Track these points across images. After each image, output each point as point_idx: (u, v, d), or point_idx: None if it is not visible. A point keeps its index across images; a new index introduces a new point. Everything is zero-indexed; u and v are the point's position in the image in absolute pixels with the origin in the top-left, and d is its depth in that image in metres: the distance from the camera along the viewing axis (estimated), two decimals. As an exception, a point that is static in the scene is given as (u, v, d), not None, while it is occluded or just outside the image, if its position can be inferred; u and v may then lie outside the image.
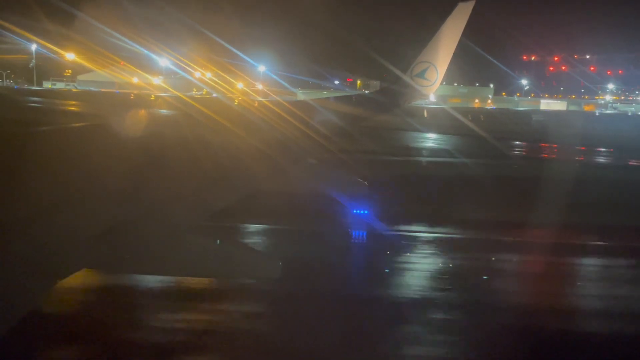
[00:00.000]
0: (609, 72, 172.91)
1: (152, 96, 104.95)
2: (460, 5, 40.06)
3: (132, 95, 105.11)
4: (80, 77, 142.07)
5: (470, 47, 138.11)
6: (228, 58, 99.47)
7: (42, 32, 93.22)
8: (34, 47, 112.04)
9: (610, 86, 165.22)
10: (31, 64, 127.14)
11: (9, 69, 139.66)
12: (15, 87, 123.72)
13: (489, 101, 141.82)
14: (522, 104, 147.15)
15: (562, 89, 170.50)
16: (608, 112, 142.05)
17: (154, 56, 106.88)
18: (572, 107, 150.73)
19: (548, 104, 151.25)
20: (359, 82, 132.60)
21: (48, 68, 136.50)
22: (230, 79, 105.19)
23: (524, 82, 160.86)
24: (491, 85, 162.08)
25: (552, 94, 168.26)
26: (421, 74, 43.04)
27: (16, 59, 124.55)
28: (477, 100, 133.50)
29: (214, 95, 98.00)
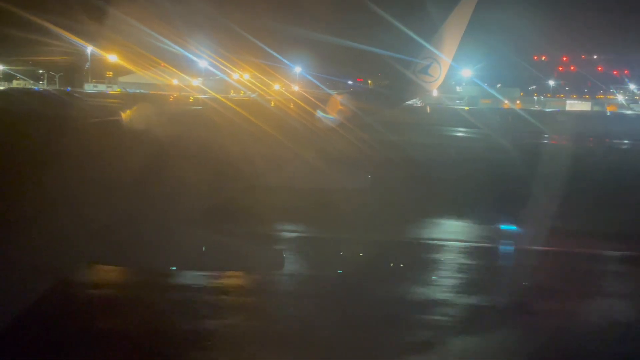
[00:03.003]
0: (615, 72, 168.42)
1: (191, 98, 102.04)
2: (464, 0, 35.90)
3: (172, 97, 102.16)
4: (121, 79, 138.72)
5: (495, 47, 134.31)
6: (264, 59, 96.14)
7: (83, 33, 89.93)
8: (89, 50, 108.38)
9: (632, 87, 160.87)
10: (87, 65, 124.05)
11: (51, 70, 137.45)
12: (67, 89, 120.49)
13: (518, 102, 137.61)
14: (549, 105, 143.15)
15: (567, 89, 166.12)
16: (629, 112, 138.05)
17: (193, 57, 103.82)
18: (596, 108, 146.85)
19: (572, 105, 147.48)
20: (369, 82, 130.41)
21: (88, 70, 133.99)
22: (267, 80, 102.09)
23: (551, 82, 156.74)
24: (534, 87, 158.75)
25: (561, 94, 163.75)
26: (424, 70, 38.75)
27: (56, 61, 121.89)
28: (506, 101, 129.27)
29: (252, 96, 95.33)
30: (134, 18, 74.83)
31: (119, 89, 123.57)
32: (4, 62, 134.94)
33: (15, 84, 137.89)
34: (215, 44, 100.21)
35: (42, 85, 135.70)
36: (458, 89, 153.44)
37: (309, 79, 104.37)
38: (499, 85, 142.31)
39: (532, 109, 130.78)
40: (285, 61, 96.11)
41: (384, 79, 49.51)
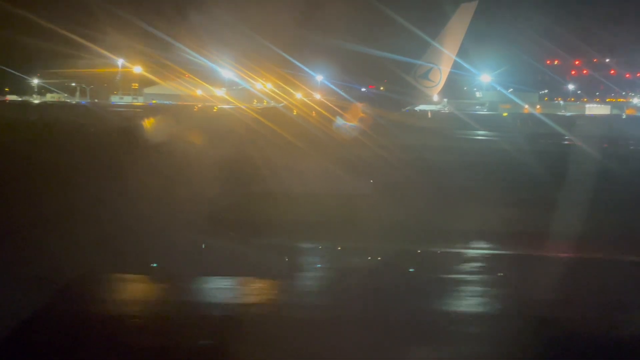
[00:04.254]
0: (627, 75, 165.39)
1: (215, 108, 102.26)
2: (463, 6, 35.26)
3: (196, 107, 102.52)
4: (146, 90, 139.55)
5: (510, 52, 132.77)
6: (286, 68, 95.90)
7: (110, 45, 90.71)
8: (120, 62, 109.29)
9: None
10: (118, 77, 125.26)
11: (83, 83, 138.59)
12: (83, 102, 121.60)
13: (538, 107, 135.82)
14: (569, 109, 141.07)
15: (579, 92, 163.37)
16: None
17: (216, 68, 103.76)
18: (615, 111, 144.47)
19: (590, 109, 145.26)
20: (382, 88, 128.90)
21: (113, 81, 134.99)
22: (289, 89, 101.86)
23: (571, 86, 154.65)
24: (545, 91, 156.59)
25: (571, 98, 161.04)
26: (425, 75, 38.02)
27: (87, 73, 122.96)
28: (526, 106, 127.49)
29: (276, 105, 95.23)
30: (159, 29, 75.32)
31: (154, 100, 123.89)
32: (39, 76, 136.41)
33: (49, 97, 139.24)
34: (238, 53, 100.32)
35: (76, 98, 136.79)
36: (478, 94, 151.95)
37: (328, 87, 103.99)
38: (510, 90, 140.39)
39: (559, 113, 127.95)
40: (306, 69, 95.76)
41: (389, 84, 49.15)
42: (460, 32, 31.94)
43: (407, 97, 35.46)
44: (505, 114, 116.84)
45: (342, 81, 75.61)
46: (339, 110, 59.01)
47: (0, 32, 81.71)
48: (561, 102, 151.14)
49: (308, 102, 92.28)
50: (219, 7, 76.85)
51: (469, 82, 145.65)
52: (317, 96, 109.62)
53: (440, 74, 31.91)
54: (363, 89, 61.09)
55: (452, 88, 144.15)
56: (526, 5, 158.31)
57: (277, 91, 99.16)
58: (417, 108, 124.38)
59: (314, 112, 74.74)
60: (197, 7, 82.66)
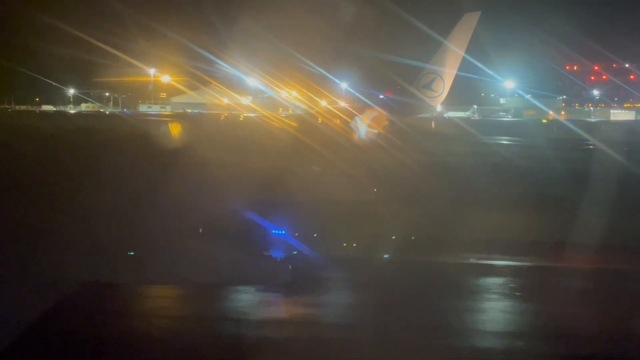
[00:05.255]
0: None
1: (241, 116, 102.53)
2: (466, 16, 34.58)
3: (223, 116, 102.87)
4: (174, 99, 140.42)
5: (532, 57, 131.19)
6: (311, 76, 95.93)
7: (139, 55, 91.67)
8: (152, 72, 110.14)
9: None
10: (150, 87, 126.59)
11: (115, 92, 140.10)
12: (127, 111, 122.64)
13: (563, 113, 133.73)
14: (594, 115, 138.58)
15: (597, 98, 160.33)
16: None
17: (242, 76, 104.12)
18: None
19: (615, 114, 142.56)
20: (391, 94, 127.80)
21: (141, 90, 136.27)
22: (314, 97, 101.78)
23: (596, 92, 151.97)
24: (563, 97, 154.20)
25: (589, 104, 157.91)
26: (428, 85, 37.28)
27: (119, 83, 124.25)
28: (551, 112, 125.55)
29: (301, 113, 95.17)
30: (187, 39, 75.83)
31: (189, 110, 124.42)
32: (74, 85, 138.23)
33: (84, 107, 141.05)
34: (264, 62, 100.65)
35: (109, 108, 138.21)
36: (502, 100, 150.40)
37: (350, 94, 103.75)
38: (529, 96, 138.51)
39: (589, 120, 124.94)
40: (330, 76, 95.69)
41: (398, 92, 48.72)
42: (464, 42, 31.49)
43: (411, 106, 35.00)
44: (544, 121, 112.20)
45: (364, 88, 75.46)
46: (364, 118, 58.75)
47: (34, 43, 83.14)
48: (591, 108, 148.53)
49: (332, 109, 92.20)
50: (245, 17, 77.32)
51: (491, 88, 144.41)
52: (342, 104, 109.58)
53: (444, 84, 31.48)
54: (381, 96, 60.88)
55: (476, 94, 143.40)
56: (545, 11, 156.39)
57: (302, 99, 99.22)
58: (446, 115, 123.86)
59: (338, 120, 74.51)
60: (224, 16, 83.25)
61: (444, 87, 32.33)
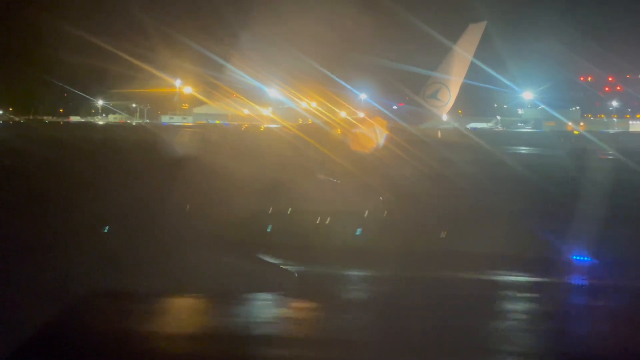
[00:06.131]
0: None
1: (262, 127, 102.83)
2: (472, 26, 34.17)
3: (243, 127, 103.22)
4: (196, 110, 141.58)
5: (547, 68, 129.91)
6: (331, 87, 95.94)
7: (160, 66, 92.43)
8: (178, 83, 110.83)
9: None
10: (176, 98, 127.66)
11: (141, 104, 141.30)
12: (164, 123, 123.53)
13: (582, 124, 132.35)
14: (613, 126, 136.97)
15: (610, 109, 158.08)
16: None
17: (263, 87, 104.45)
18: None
19: (634, 125, 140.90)
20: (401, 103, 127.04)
21: (162, 101, 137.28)
22: (334, 108, 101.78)
23: (615, 103, 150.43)
24: (577, 108, 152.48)
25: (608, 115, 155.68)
26: (434, 95, 36.81)
27: (146, 94, 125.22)
28: (570, 123, 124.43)
29: (318, 123, 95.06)
30: (208, 50, 76.30)
31: (218, 121, 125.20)
32: (101, 97, 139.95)
33: (111, 117, 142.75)
34: (284, 72, 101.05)
35: (136, 119, 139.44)
36: (520, 111, 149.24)
37: (368, 104, 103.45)
38: (540, 107, 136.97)
39: (612, 131, 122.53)
40: (348, 86, 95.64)
41: (406, 102, 48.33)
42: (469, 52, 31.28)
43: (424, 114, 34.70)
44: (576, 132, 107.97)
45: (381, 98, 75.25)
46: (382, 128, 58.48)
47: (60, 54, 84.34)
48: (614, 119, 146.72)
49: (351, 119, 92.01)
50: (265, 28, 77.73)
51: (506, 99, 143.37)
52: (361, 114, 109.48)
53: (450, 94, 31.25)
54: (394, 107, 60.62)
55: (488, 105, 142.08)
56: (558, 22, 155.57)
57: (321, 109, 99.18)
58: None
59: (357, 131, 74.35)
60: (244, 27, 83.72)
61: (449, 96, 32.19)
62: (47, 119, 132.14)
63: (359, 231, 20.34)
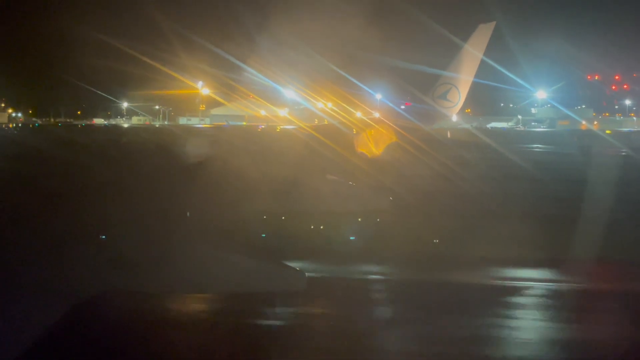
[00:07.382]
0: None
1: (278, 128, 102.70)
2: (481, 26, 33.82)
3: (260, 128, 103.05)
4: (213, 111, 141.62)
5: (556, 68, 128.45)
6: (346, 87, 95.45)
7: (179, 68, 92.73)
8: (200, 83, 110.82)
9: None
10: (198, 100, 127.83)
11: (163, 106, 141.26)
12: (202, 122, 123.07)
13: (595, 123, 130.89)
14: (625, 125, 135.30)
15: (616, 107, 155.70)
16: None
17: (279, 88, 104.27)
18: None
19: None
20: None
21: (180, 103, 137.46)
22: (349, 108, 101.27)
23: (627, 102, 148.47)
24: (583, 107, 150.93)
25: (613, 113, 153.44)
26: (443, 96, 36.29)
27: (168, 96, 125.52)
28: (584, 122, 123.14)
29: (334, 123, 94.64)
30: (225, 51, 76.37)
31: (242, 122, 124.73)
32: (124, 99, 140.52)
33: (135, 120, 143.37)
34: (300, 73, 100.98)
35: (159, 120, 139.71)
36: (533, 110, 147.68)
37: (383, 104, 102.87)
38: (548, 105, 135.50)
39: (622, 130, 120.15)
40: (362, 86, 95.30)
41: (417, 102, 47.84)
42: (479, 52, 31.04)
43: (434, 114, 34.39)
44: (608, 132, 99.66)
45: (393, 99, 74.91)
46: (399, 130, 58.09)
47: (82, 57, 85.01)
48: (634, 117, 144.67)
49: (367, 120, 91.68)
50: (281, 29, 77.76)
51: (518, 98, 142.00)
52: (376, 114, 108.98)
53: (459, 94, 31.02)
54: (402, 106, 60.17)
55: (497, 103, 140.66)
56: (566, 21, 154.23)
57: (337, 109, 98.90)
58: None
59: (372, 130, 74.06)
60: (261, 29, 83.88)
61: (459, 97, 32.01)
62: (77, 122, 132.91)
63: (353, 237, 20.22)
